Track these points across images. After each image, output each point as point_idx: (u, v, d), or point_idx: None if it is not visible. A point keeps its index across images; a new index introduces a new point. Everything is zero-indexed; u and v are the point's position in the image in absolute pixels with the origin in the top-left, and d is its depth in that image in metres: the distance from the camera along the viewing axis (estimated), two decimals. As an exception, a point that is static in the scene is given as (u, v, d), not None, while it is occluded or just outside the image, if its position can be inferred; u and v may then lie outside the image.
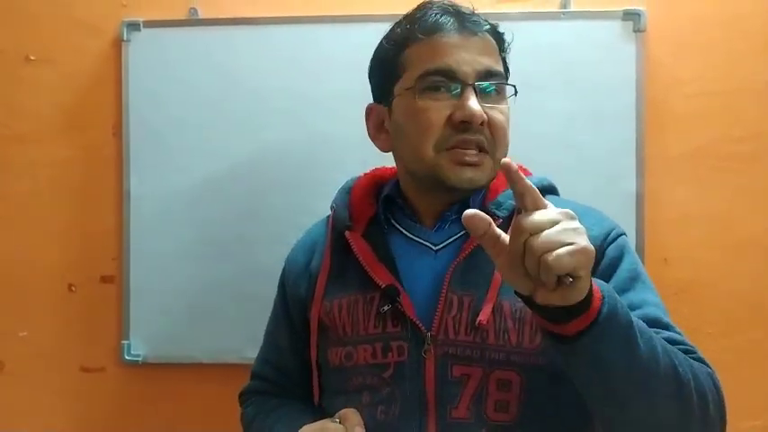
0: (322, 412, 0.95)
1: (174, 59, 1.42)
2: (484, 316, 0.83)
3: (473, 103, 0.85)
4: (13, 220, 1.48)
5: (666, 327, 0.83)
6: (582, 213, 0.89)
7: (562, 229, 0.61)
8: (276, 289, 1.09)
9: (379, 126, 0.97)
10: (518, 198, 0.63)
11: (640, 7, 1.35)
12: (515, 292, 0.68)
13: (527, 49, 1.33)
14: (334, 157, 1.37)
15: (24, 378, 1.48)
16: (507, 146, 0.91)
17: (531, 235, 0.60)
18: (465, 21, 0.89)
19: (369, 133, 1.00)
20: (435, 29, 0.89)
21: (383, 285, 0.88)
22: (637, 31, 1.35)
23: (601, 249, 0.86)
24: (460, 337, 0.84)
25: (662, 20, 1.37)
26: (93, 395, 1.47)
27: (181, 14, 1.44)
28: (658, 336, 0.75)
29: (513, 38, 0.96)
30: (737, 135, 1.37)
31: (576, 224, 0.62)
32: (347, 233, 0.94)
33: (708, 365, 0.80)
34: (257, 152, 1.41)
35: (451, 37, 0.88)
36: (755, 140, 1.36)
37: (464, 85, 0.86)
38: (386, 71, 0.94)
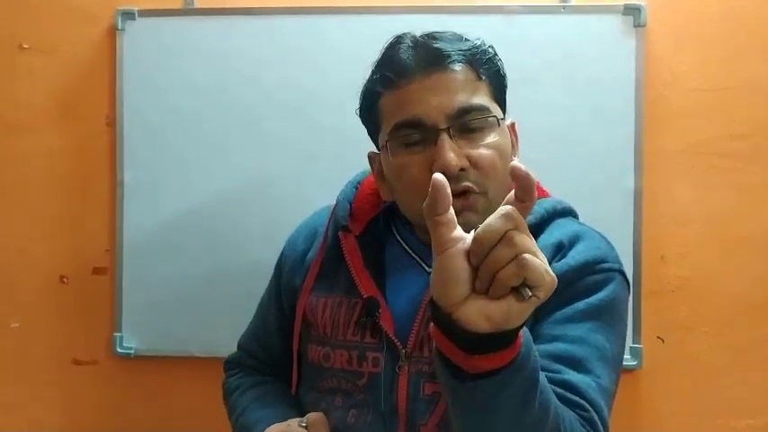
0: (298, 402, 0.96)
1: (170, 49, 1.41)
2: None
3: (445, 152, 0.80)
4: (5, 210, 1.47)
5: (587, 371, 0.77)
6: (582, 238, 0.86)
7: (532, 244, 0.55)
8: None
9: (380, 175, 0.93)
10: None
11: (641, 2, 1.34)
12: (430, 306, 0.60)
13: (526, 42, 1.34)
14: (333, 149, 1.36)
15: (16, 370, 1.47)
16: (502, 178, 0.84)
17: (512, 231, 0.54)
18: (432, 57, 0.83)
19: (375, 182, 0.96)
20: (401, 75, 0.84)
21: (365, 296, 0.87)
22: (637, 25, 1.34)
23: (576, 276, 0.82)
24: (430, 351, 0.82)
25: (662, 15, 1.36)
26: (85, 388, 1.46)
27: (176, 4, 1.43)
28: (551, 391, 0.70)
29: (495, 51, 0.89)
30: (737, 131, 1.36)
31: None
32: (341, 234, 0.93)
33: (592, 426, 0.73)
34: (254, 144, 1.40)
35: (417, 81, 0.83)
36: (755, 137, 1.36)
37: (436, 131, 0.81)
38: (369, 122, 0.92)
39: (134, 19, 1.42)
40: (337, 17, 1.39)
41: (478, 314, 0.55)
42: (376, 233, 0.94)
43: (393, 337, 0.85)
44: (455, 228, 0.56)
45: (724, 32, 1.37)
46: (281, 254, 1.06)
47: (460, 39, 0.88)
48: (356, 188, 0.98)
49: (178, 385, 1.44)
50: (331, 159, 1.35)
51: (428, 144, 0.82)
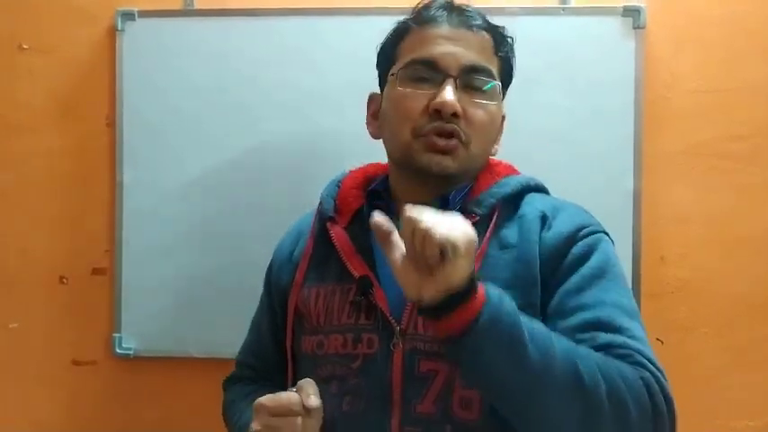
0: None
1: (169, 50, 1.41)
2: None
3: (447, 93, 0.86)
4: (5, 210, 1.47)
5: (618, 329, 0.80)
6: (561, 209, 0.90)
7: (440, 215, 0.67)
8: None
9: (375, 113, 1.00)
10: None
11: (640, 4, 1.35)
12: (415, 307, 0.72)
13: (526, 44, 1.32)
14: (333, 150, 1.37)
15: (15, 370, 1.47)
16: (487, 142, 0.93)
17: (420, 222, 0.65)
18: (461, 16, 0.91)
19: (366, 120, 1.01)
20: (429, 20, 0.91)
21: (357, 276, 0.89)
22: (636, 27, 1.35)
23: (566, 246, 0.86)
24: (430, 332, 0.84)
25: (661, 17, 1.37)
26: (84, 388, 1.46)
27: (176, 4, 1.43)
28: (576, 343, 0.77)
29: (514, 39, 0.97)
30: (736, 133, 1.36)
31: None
32: (329, 224, 0.96)
33: (653, 370, 0.77)
34: (253, 144, 1.40)
35: (442, 29, 0.90)
36: (754, 138, 1.36)
37: (445, 76, 0.88)
38: (384, 60, 0.98)
39: (134, 20, 1.42)
40: (336, 18, 1.40)
41: (431, 290, 0.67)
42: (362, 223, 0.95)
43: (388, 314, 0.86)
44: (396, 247, 0.69)
45: (723, 34, 1.37)
46: (270, 262, 1.08)
47: (489, 18, 0.95)
48: (338, 186, 1.01)
49: (177, 386, 1.44)
50: (330, 159, 1.35)
51: (434, 85, 0.88)
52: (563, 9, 1.36)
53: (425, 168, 0.88)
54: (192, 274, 1.40)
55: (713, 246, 1.36)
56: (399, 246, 0.69)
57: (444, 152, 0.88)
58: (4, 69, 1.46)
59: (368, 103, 1.02)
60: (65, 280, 1.46)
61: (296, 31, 1.39)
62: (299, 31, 1.39)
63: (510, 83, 0.98)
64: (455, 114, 0.87)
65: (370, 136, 1.00)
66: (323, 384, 0.88)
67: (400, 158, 0.93)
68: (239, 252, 1.39)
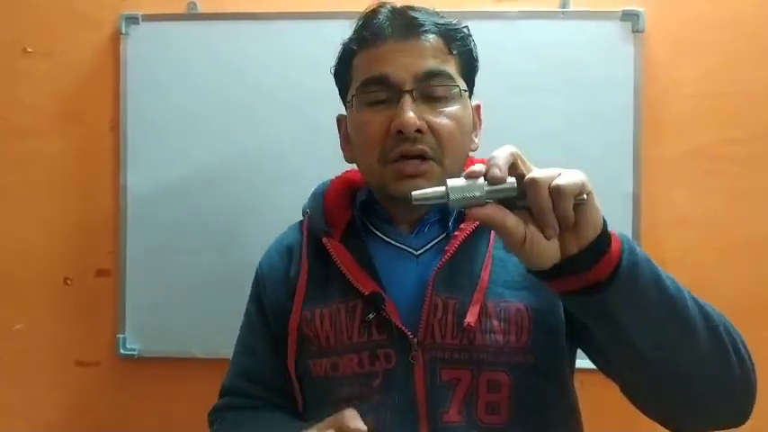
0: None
1: (173, 53, 1.42)
2: (471, 317, 0.82)
3: (405, 110, 0.82)
4: (9, 212, 1.48)
5: None
6: None
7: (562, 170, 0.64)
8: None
9: (346, 137, 0.96)
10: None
11: (639, 8, 1.36)
12: (531, 272, 0.67)
13: (525, 48, 1.35)
14: (335, 152, 1.36)
15: (19, 371, 1.48)
16: (460, 149, 0.87)
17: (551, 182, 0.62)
18: (407, 24, 0.86)
19: (340, 144, 0.99)
20: (376, 35, 0.87)
21: (366, 293, 0.85)
22: (635, 31, 1.36)
23: None
24: (447, 340, 0.83)
25: (660, 21, 1.38)
26: (89, 389, 1.47)
27: (180, 8, 1.44)
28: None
29: (469, 32, 0.92)
30: (735, 136, 1.37)
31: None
32: (325, 240, 0.92)
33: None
34: (256, 146, 1.41)
35: (389, 43, 0.86)
36: (752, 142, 1.37)
37: (400, 92, 0.84)
38: (342, 80, 0.95)
39: (138, 23, 1.43)
40: (338, 21, 1.39)
41: (574, 245, 0.64)
42: (356, 235, 0.94)
43: (402, 327, 0.84)
44: (515, 230, 0.63)
45: (722, 38, 1.38)
46: (257, 280, 1.01)
47: (437, 14, 0.91)
48: (321, 198, 0.98)
49: (181, 386, 1.44)
50: (333, 160, 1.36)
51: (391, 104, 0.85)
52: (562, 13, 1.37)
53: (402, 197, 0.83)
54: (195, 274, 1.42)
55: (712, 248, 1.37)
56: (516, 228, 0.63)
57: (415, 176, 0.84)
58: (9, 73, 1.48)
59: (338, 125, 0.99)
60: (69, 281, 1.48)
61: (298, 34, 1.41)
62: (302, 34, 1.41)
63: (475, 71, 0.93)
64: (419, 131, 0.83)
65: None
66: (342, 405, 0.83)
67: (375, 187, 0.91)
68: (243, 253, 1.39)
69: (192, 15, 1.43)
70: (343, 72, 0.94)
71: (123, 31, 1.43)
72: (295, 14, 1.41)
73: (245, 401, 0.99)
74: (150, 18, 1.43)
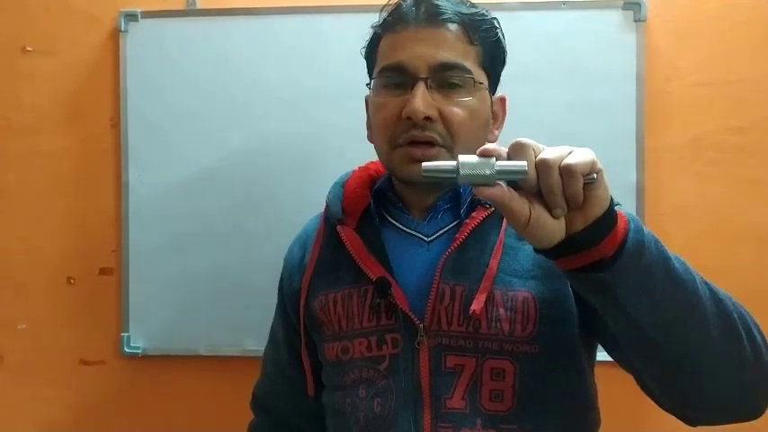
0: (321, 407, 0.97)
1: (173, 50, 1.42)
2: (477, 305, 0.83)
3: (417, 98, 0.83)
4: (12, 212, 1.48)
5: None
6: None
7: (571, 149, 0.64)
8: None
9: (368, 117, 0.99)
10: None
11: (641, -3, 1.35)
12: (537, 251, 0.67)
13: (527, 38, 1.35)
14: (335, 147, 1.37)
15: (24, 371, 1.48)
16: (472, 139, 0.87)
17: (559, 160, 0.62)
18: (429, 11, 0.87)
19: (366, 123, 1.01)
20: (398, 21, 0.88)
21: (374, 278, 0.87)
22: (637, 20, 1.35)
23: None
24: (453, 327, 0.84)
25: (662, 10, 1.37)
26: (93, 388, 1.47)
27: (179, 5, 1.44)
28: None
29: (500, 25, 0.92)
30: (737, 126, 1.36)
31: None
32: (338, 227, 0.94)
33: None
34: (257, 143, 1.41)
35: (410, 31, 0.87)
36: (755, 131, 1.36)
37: (414, 79, 0.85)
38: (369, 62, 0.96)
39: (137, 20, 1.43)
40: (337, 16, 1.40)
41: (580, 223, 0.63)
42: (371, 222, 0.95)
43: (409, 313, 0.85)
44: (520, 211, 0.63)
45: (724, 27, 1.37)
46: (281, 275, 1.06)
47: (464, 3, 0.90)
48: (342, 187, 1.00)
49: (185, 384, 1.45)
50: (332, 158, 1.36)
51: (406, 90, 0.86)
52: (564, 3, 1.37)
53: (409, 180, 0.88)
54: (198, 272, 1.41)
55: (715, 236, 1.37)
56: (522, 209, 0.63)
57: (423, 161, 0.83)
58: (8, 72, 1.47)
59: (366, 107, 0.99)
60: (72, 280, 1.47)
61: (297, 30, 1.40)
62: (301, 30, 1.40)
63: (500, 63, 0.93)
64: (428, 118, 0.84)
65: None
66: (351, 389, 0.89)
67: (387, 169, 0.93)
68: (245, 250, 1.40)
69: (190, 12, 1.43)
70: (370, 54, 0.96)
71: (122, 29, 1.43)
72: (293, 9, 1.40)
73: (277, 418, 1.09)
74: (149, 15, 1.43)
